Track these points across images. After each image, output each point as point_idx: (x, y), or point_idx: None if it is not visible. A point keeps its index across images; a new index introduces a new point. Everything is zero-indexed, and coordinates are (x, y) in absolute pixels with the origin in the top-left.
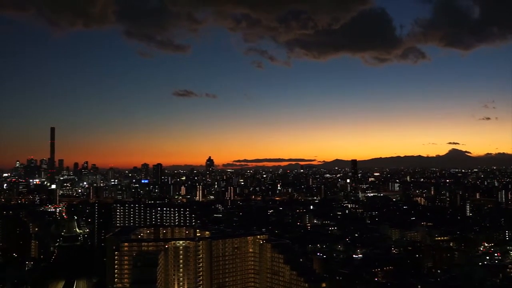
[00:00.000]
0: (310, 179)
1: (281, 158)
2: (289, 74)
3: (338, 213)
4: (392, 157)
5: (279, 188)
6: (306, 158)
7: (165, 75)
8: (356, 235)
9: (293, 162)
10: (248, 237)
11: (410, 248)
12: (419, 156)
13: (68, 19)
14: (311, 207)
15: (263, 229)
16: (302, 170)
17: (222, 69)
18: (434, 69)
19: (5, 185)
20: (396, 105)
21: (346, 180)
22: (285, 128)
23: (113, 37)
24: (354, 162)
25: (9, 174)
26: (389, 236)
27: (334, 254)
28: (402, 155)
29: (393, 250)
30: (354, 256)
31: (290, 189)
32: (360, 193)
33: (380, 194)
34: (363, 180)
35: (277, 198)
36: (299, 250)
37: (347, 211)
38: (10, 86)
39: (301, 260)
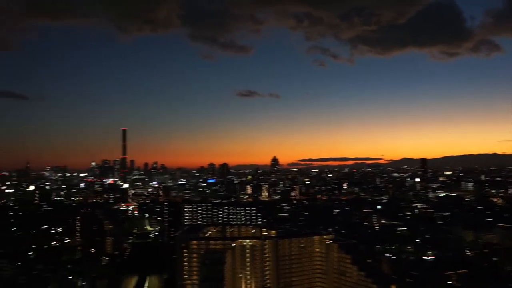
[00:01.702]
0: (377, 179)
1: (346, 157)
2: (352, 72)
3: (407, 213)
4: (465, 155)
5: (345, 187)
6: (372, 157)
7: (229, 76)
8: (426, 236)
9: (359, 161)
10: (314, 237)
11: (486, 250)
12: (495, 154)
13: (135, 25)
14: (379, 206)
15: (329, 229)
16: (368, 169)
17: (284, 69)
18: (508, 61)
19: (82, 184)
20: (468, 101)
21: (415, 179)
22: (350, 127)
23: (178, 41)
24: (423, 160)
25: (85, 174)
26: (462, 238)
27: (404, 256)
28: (475, 153)
29: (467, 252)
30: (424, 257)
31: (356, 189)
32: (430, 192)
33: (452, 194)
34: (433, 179)
35: (343, 198)
36: (366, 251)
37: (416, 211)
38: (85, 91)
39: (369, 260)
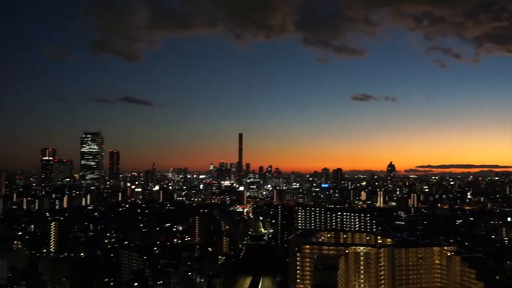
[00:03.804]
0: (507, 188)
1: (470, 164)
2: (477, 72)
3: None
4: None
5: (469, 196)
6: (501, 164)
7: (343, 80)
8: None
9: (486, 169)
10: (434, 248)
11: None
12: None
13: (252, 32)
14: (509, 219)
15: (451, 240)
16: (496, 178)
17: (401, 71)
18: None
19: (201, 185)
20: None
21: None
22: (474, 131)
23: (292, 46)
24: None
25: (204, 176)
26: None
27: None
28: None
29: None
30: None
31: (482, 198)
32: None
33: None
34: None
35: (467, 207)
36: (494, 266)
37: None
38: (204, 98)
39: (497, 277)
